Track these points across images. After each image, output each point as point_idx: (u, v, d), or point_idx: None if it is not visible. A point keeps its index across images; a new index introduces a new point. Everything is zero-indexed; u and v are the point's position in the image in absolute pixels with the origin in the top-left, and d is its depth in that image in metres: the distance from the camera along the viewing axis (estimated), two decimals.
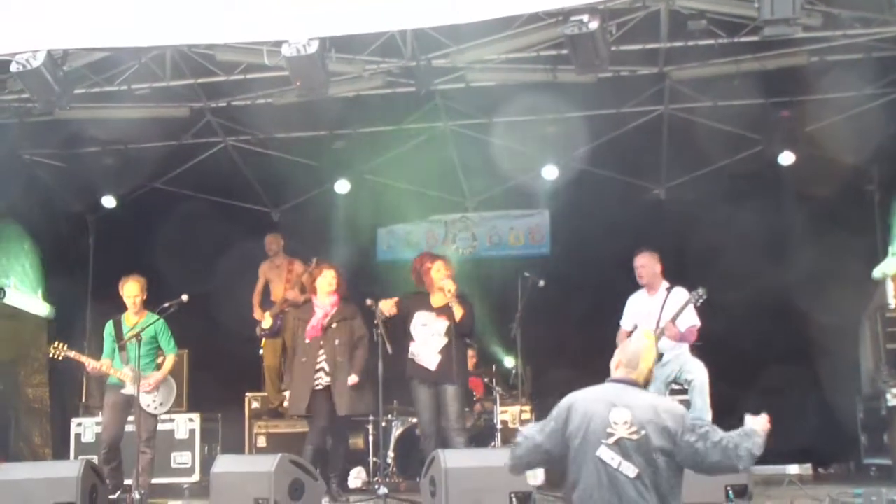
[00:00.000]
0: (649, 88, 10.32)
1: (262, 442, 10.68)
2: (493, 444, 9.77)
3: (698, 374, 7.90)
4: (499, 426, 9.86)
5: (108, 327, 8.85)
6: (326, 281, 8.78)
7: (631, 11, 8.57)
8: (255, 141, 11.44)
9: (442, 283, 8.52)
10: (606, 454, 4.80)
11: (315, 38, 7.90)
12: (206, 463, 9.44)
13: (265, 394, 11.16)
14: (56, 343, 8.85)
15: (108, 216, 12.27)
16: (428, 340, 8.41)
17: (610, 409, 4.88)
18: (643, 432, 4.81)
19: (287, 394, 8.83)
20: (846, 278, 10.73)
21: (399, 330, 8.64)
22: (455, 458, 7.28)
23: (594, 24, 7.72)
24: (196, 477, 10.31)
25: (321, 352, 8.64)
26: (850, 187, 11.00)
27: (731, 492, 7.40)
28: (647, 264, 8.43)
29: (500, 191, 12.33)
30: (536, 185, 11.78)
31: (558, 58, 9.11)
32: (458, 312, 8.41)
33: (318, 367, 8.64)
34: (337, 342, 8.64)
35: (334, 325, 8.68)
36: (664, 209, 11.62)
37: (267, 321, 10.59)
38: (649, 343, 5.23)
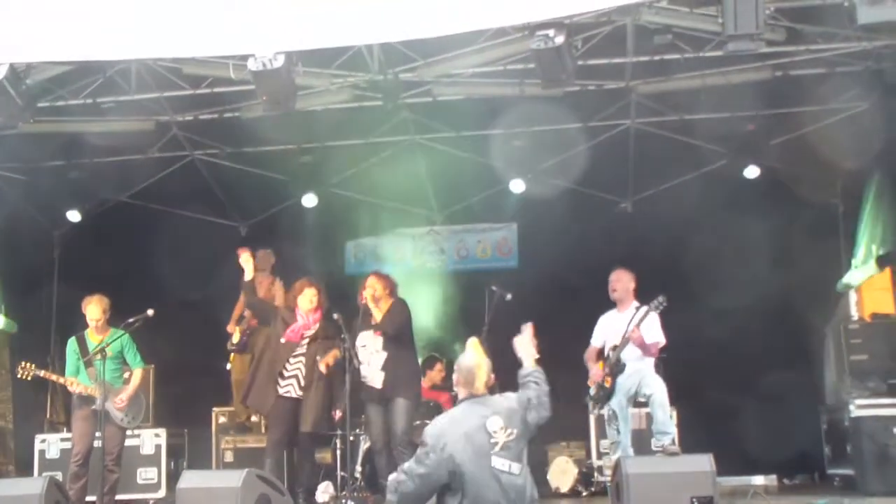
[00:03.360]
0: (616, 102, 10.36)
1: (229, 457, 10.56)
2: None
3: (657, 389, 7.91)
4: None
5: (72, 344, 8.76)
6: (307, 298, 8.81)
7: (597, 26, 8.63)
8: (222, 155, 11.39)
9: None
10: (498, 462, 5.38)
11: (281, 52, 7.89)
12: (173, 478, 9.37)
13: (232, 409, 11.09)
14: (23, 363, 8.72)
15: (74, 231, 12.17)
16: (371, 359, 8.42)
17: (484, 422, 5.45)
18: (511, 430, 5.45)
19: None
20: (811, 290, 10.84)
21: None
22: None
23: (560, 39, 7.75)
24: (162, 493, 10.23)
25: (294, 360, 8.64)
26: (814, 200, 11.08)
27: (696, 503, 7.43)
28: (622, 279, 8.51)
29: (467, 204, 12.35)
30: (504, 198, 11.80)
31: (525, 72, 9.15)
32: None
33: (289, 373, 8.62)
34: (319, 358, 8.63)
35: (318, 341, 8.70)
36: (631, 222, 11.65)
37: (235, 336, 10.54)
38: (477, 355, 5.81)
